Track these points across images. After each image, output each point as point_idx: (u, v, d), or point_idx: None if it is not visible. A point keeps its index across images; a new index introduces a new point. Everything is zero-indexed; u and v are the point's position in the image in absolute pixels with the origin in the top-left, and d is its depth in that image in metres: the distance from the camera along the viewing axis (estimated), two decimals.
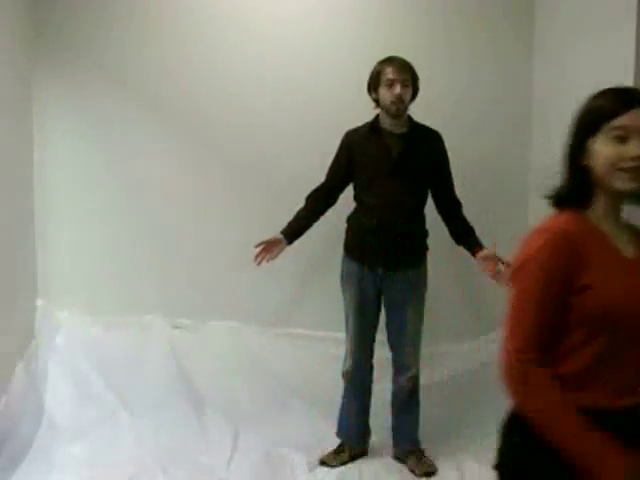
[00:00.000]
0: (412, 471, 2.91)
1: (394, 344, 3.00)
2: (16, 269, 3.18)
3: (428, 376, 3.15)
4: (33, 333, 3.34)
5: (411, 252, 2.93)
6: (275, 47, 3.35)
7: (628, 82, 2.22)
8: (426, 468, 2.91)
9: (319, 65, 3.37)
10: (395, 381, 3.02)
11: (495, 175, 3.39)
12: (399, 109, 2.81)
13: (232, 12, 3.35)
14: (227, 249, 3.47)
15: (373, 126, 2.90)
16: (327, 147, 2.98)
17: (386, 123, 2.88)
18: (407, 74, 2.81)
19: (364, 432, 3.06)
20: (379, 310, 2.99)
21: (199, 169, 3.43)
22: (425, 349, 3.39)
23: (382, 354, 3.04)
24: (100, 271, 3.47)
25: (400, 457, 3.00)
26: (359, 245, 2.93)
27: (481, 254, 2.87)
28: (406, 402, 3.00)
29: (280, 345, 3.44)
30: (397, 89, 2.77)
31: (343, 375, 3.01)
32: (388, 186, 2.84)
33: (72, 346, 3.38)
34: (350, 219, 2.99)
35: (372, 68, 2.88)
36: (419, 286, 2.96)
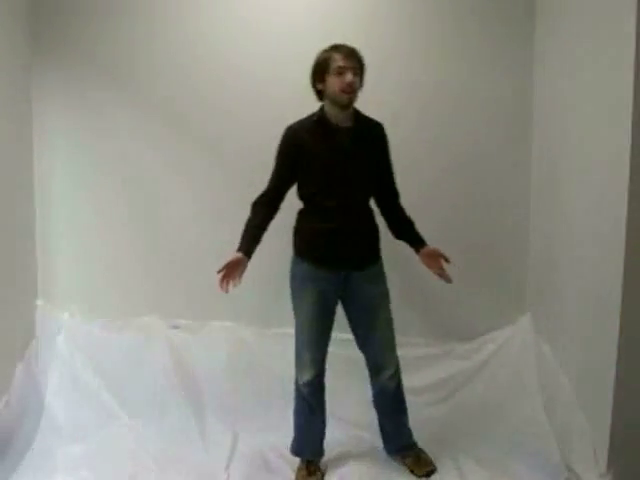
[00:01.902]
0: (412, 471, 2.89)
1: (366, 345, 2.85)
2: (16, 269, 3.18)
3: (427, 376, 3.15)
4: (33, 333, 3.34)
5: (371, 249, 2.83)
6: (277, 46, 3.34)
7: (628, 81, 2.22)
8: (426, 467, 2.88)
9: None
10: (374, 383, 2.88)
11: (495, 175, 3.39)
12: (350, 98, 2.62)
13: (233, 9, 3.34)
14: (226, 249, 3.46)
15: (320, 120, 2.68)
16: None
17: (332, 116, 2.67)
18: (356, 62, 2.62)
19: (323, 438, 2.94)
20: (335, 313, 2.86)
21: (199, 170, 3.44)
22: (423, 349, 3.41)
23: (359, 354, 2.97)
24: (100, 272, 3.48)
25: (397, 457, 2.96)
26: (319, 248, 2.74)
27: (424, 251, 2.82)
28: (390, 402, 2.90)
29: (279, 345, 3.43)
30: (349, 76, 2.57)
31: (304, 386, 2.79)
32: (344, 186, 2.68)
33: (72, 346, 3.39)
34: (303, 222, 2.80)
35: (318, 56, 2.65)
36: (382, 281, 2.85)
